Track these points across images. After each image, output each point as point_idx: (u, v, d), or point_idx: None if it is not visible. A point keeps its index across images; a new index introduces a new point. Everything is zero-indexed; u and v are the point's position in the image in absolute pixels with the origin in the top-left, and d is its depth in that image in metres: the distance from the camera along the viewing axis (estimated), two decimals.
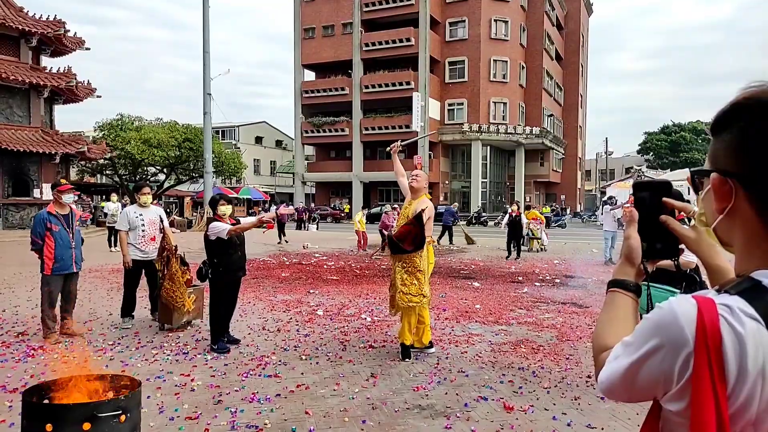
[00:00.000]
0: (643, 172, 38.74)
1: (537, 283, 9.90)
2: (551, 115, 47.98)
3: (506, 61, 41.81)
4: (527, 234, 17.15)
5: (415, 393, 4.15)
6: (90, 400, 2.41)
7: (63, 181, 5.86)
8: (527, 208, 18.72)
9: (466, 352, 5.29)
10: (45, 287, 5.61)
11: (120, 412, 2.31)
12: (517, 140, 41.61)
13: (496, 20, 41.16)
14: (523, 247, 17.02)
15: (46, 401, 2.42)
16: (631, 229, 1.01)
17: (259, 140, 55.39)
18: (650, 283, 3.95)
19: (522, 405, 3.89)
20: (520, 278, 10.54)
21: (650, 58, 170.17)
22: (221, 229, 5.14)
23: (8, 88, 20.22)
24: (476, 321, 6.66)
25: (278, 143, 58.28)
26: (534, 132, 41.77)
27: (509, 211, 15.04)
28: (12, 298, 7.96)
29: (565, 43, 53.01)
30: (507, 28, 41.70)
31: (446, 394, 4.13)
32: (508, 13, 41.66)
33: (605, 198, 23.36)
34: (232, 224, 5.25)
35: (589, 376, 4.54)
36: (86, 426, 2.23)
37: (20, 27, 20.27)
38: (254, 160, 52.69)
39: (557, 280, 10.28)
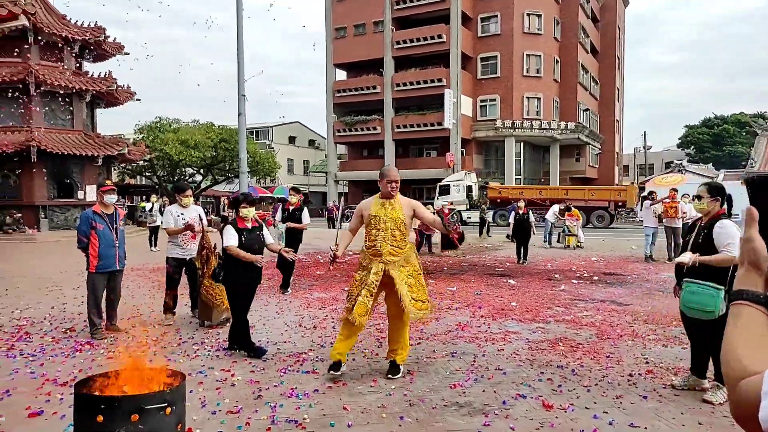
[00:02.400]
0: (684, 167, 37.62)
1: (574, 281, 9.72)
2: (587, 110, 47.00)
3: (540, 56, 41.16)
4: (563, 230, 16.86)
5: (452, 390, 4.13)
6: (137, 392, 2.47)
7: (107, 182, 6.05)
8: (568, 208, 18.11)
9: (503, 349, 5.24)
10: (90, 284, 5.80)
11: (166, 404, 2.36)
12: (551, 136, 40.91)
13: (529, 14, 40.55)
14: (558, 244, 16.79)
15: (96, 394, 2.50)
16: (752, 229, 0.88)
17: (292, 140, 56.03)
18: (691, 279, 3.84)
19: (562, 403, 3.83)
20: (557, 276, 10.37)
21: (689, 49, 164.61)
22: (226, 240, 4.95)
23: (53, 94, 20.98)
24: (513, 319, 6.59)
25: (311, 143, 58.83)
26: (569, 127, 40.99)
27: (515, 208, 13.54)
28: (59, 296, 8.26)
29: (600, 35, 51.80)
30: (540, 21, 41.05)
31: (484, 391, 4.10)
32: (541, 6, 41.00)
33: (644, 194, 22.79)
34: (254, 227, 5.10)
35: (630, 375, 4.44)
36: (134, 418, 2.29)
37: (63, 34, 21.00)
38: (288, 159, 53.33)
39: (595, 278, 10.07)
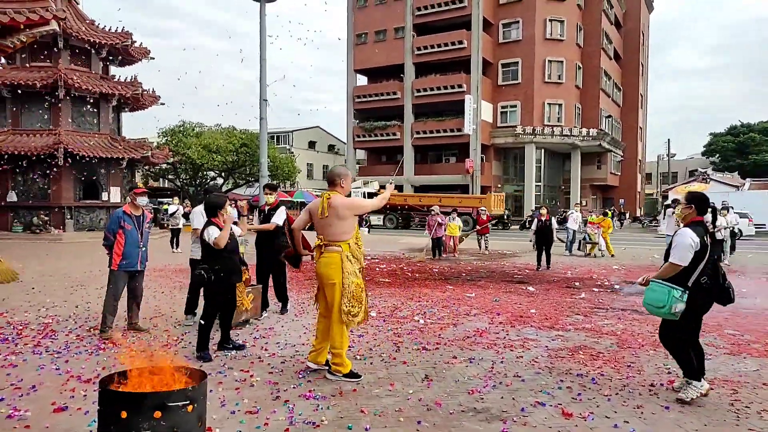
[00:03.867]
0: (708, 175, 36.96)
1: (595, 289, 9.61)
2: (609, 117, 46.56)
3: (562, 62, 40.93)
4: (584, 238, 16.69)
5: (469, 396, 4.11)
6: (161, 389, 2.52)
7: (139, 184, 6.19)
8: (604, 214, 17.90)
9: (522, 357, 5.20)
10: (112, 282, 5.88)
11: (188, 402, 2.40)
12: (572, 142, 40.61)
13: (551, 20, 40.40)
14: (579, 252, 16.62)
15: (120, 390, 2.55)
16: None
17: (312, 145, 56.42)
18: (654, 279, 4.09)
19: (581, 412, 3.79)
20: (577, 284, 10.27)
21: (716, 54, 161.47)
22: (213, 235, 5.05)
23: (81, 98, 21.47)
24: (531, 326, 6.54)
25: (330, 148, 59.17)
26: (591, 134, 40.65)
27: (537, 215, 13.70)
28: (84, 295, 8.42)
29: (624, 41, 51.35)
30: (563, 28, 40.84)
31: (502, 398, 4.08)
32: (563, 12, 40.80)
33: (668, 202, 22.46)
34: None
35: (652, 385, 4.38)
36: (157, 414, 2.33)
37: (92, 39, 21.50)
38: (307, 164, 53.70)
39: (616, 286, 9.95)
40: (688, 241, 3.94)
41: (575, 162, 42.37)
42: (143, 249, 6.01)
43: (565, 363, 5.01)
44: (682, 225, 4.17)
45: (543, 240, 12.85)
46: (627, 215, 43.63)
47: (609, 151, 45.43)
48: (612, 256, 15.83)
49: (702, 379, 4.04)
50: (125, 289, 6.02)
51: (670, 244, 4.12)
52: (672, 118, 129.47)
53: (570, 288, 9.75)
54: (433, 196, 32.83)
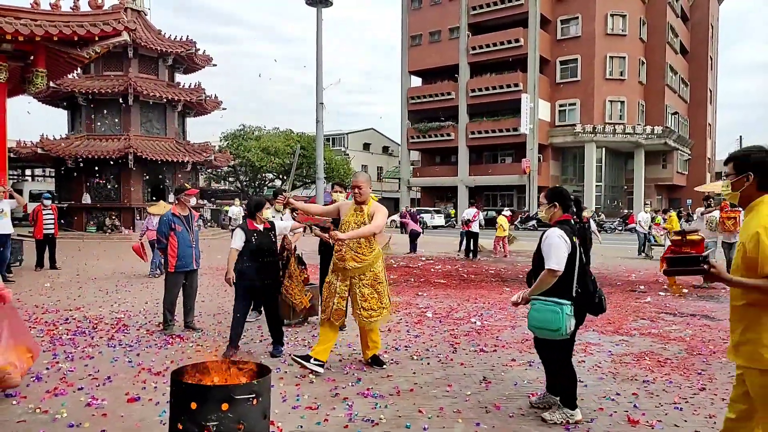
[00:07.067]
0: None
1: (661, 293, 9.22)
2: (675, 113, 44.47)
3: (624, 57, 39.48)
4: (650, 240, 16.02)
5: (529, 400, 4.04)
6: (227, 383, 2.61)
7: (187, 186, 6.40)
8: (664, 212, 16.91)
9: (584, 361, 5.05)
10: (169, 283, 6.09)
11: (253, 395, 2.48)
12: (636, 141, 39.06)
13: (612, 15, 39.06)
14: (643, 254, 15.95)
15: (190, 382, 2.66)
16: None
17: (366, 147, 56.89)
18: (537, 296, 3.63)
19: (648, 419, 3.65)
20: (642, 287, 9.88)
21: None
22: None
23: (148, 104, 22.54)
24: (593, 330, 6.34)
25: (385, 149, 59.47)
26: (655, 132, 38.95)
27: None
28: (152, 292, 8.85)
29: (691, 35, 48.92)
30: (624, 22, 39.40)
31: None
32: (625, 6, 39.36)
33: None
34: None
35: (726, 394, 4.15)
36: (224, 406, 2.42)
37: (159, 48, 22.53)
38: (362, 165, 54.09)
39: (684, 290, 9.49)
40: (558, 241, 3.45)
41: (638, 161, 40.71)
42: (195, 248, 6.13)
43: (630, 369, 4.83)
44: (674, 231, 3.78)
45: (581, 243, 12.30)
46: (695, 216, 41.55)
47: (675, 150, 43.41)
48: None
49: (577, 409, 3.62)
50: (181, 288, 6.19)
51: (537, 253, 3.61)
52: (746, 115, 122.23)
53: (634, 292, 9.40)
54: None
